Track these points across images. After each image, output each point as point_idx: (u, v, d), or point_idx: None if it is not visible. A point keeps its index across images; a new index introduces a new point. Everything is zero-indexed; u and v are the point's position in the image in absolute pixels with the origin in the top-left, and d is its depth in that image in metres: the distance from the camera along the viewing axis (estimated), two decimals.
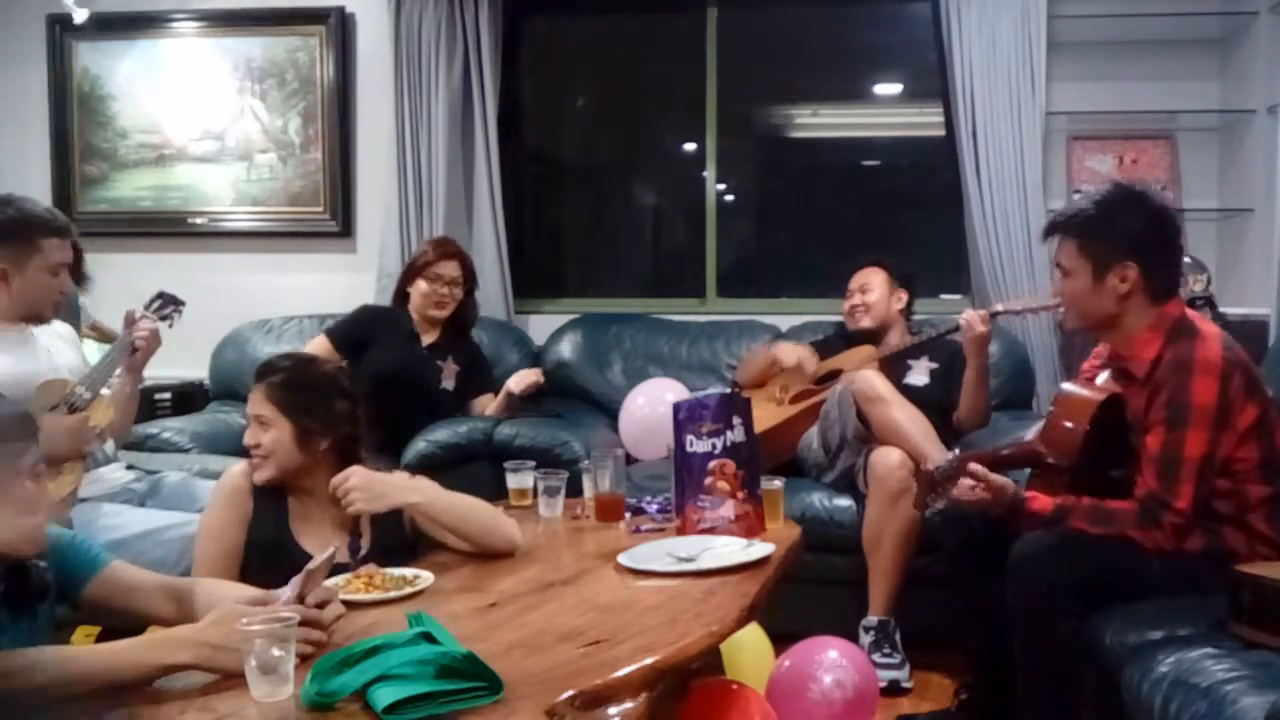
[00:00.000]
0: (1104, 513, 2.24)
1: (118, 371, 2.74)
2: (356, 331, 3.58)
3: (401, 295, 3.69)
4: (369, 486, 2.08)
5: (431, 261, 3.61)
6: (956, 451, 2.77)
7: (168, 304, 2.92)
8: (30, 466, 1.58)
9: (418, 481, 2.18)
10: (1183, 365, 2.20)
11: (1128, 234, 2.30)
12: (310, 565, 1.68)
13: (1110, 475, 2.35)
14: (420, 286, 3.60)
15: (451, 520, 2.17)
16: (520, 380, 3.62)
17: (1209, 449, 2.17)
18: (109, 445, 2.81)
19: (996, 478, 2.35)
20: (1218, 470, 2.20)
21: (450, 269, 3.62)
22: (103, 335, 3.39)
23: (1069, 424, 2.36)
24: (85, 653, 1.53)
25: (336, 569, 1.97)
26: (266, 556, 2.04)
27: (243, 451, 2.18)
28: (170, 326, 2.92)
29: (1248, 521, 2.21)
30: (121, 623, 1.76)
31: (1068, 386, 2.49)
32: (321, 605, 1.63)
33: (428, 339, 3.65)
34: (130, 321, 2.77)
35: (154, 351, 2.79)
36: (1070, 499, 2.28)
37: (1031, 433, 2.47)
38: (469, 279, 3.69)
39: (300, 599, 1.62)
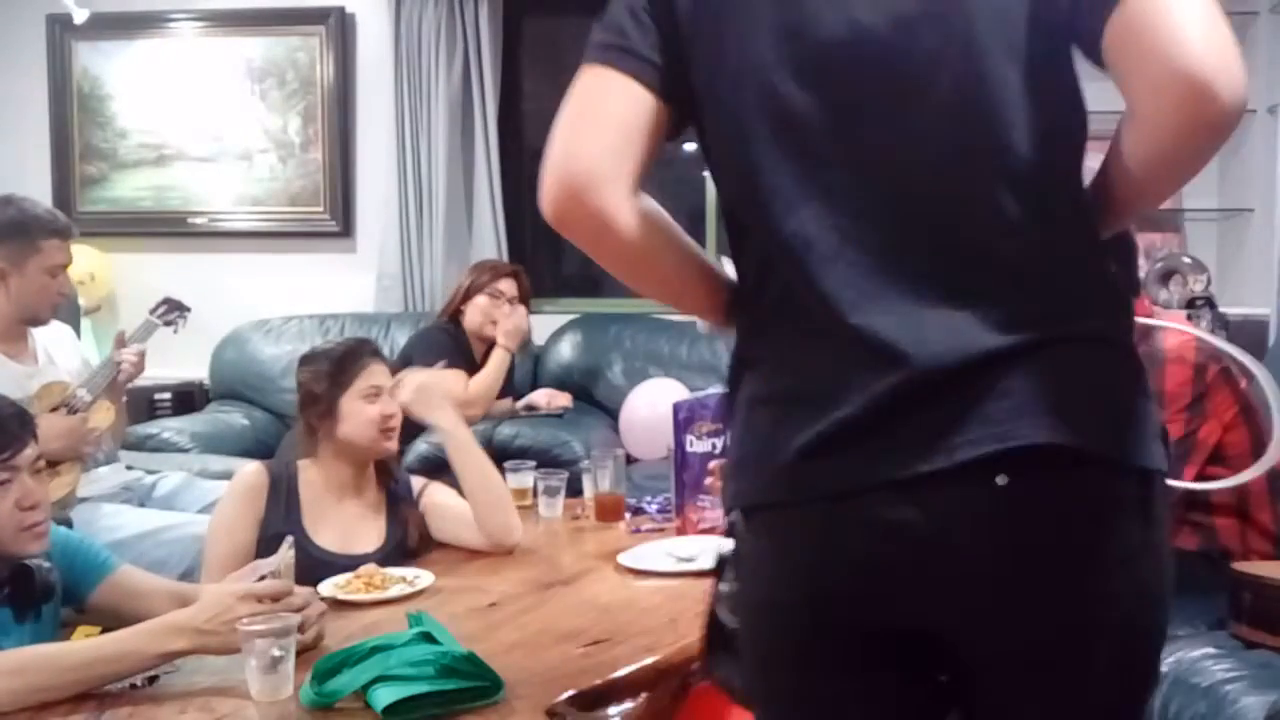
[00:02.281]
0: None
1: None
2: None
3: (454, 315, 3.66)
4: (423, 391, 2.23)
5: (490, 280, 3.61)
6: None
7: (173, 309, 2.93)
8: (30, 463, 1.59)
9: (456, 417, 2.26)
10: (1153, 357, 2.20)
11: None
12: (268, 569, 1.68)
13: None
14: (479, 303, 3.58)
15: (469, 471, 2.21)
16: (549, 399, 3.71)
17: (1183, 433, 2.17)
18: (108, 445, 2.81)
19: None
20: (1206, 457, 2.19)
21: (509, 286, 3.62)
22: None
23: None
24: (83, 647, 1.54)
25: (338, 562, 1.98)
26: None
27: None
28: (175, 332, 2.93)
29: (1248, 510, 2.21)
30: (125, 626, 1.75)
31: None
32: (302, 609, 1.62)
33: (480, 355, 3.64)
34: (119, 343, 2.76)
35: (135, 377, 2.78)
36: None
37: None
38: (524, 297, 3.69)
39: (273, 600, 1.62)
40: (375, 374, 2.19)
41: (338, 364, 2.19)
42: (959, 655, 0.96)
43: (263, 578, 1.64)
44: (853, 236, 0.91)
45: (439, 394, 2.27)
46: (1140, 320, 1.64)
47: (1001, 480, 0.88)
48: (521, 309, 3.57)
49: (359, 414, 2.15)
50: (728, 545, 1.08)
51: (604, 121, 0.99)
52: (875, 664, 0.98)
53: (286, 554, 1.71)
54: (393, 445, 2.22)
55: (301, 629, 1.58)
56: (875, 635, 0.97)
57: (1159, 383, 2.18)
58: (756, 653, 1.05)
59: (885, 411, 0.89)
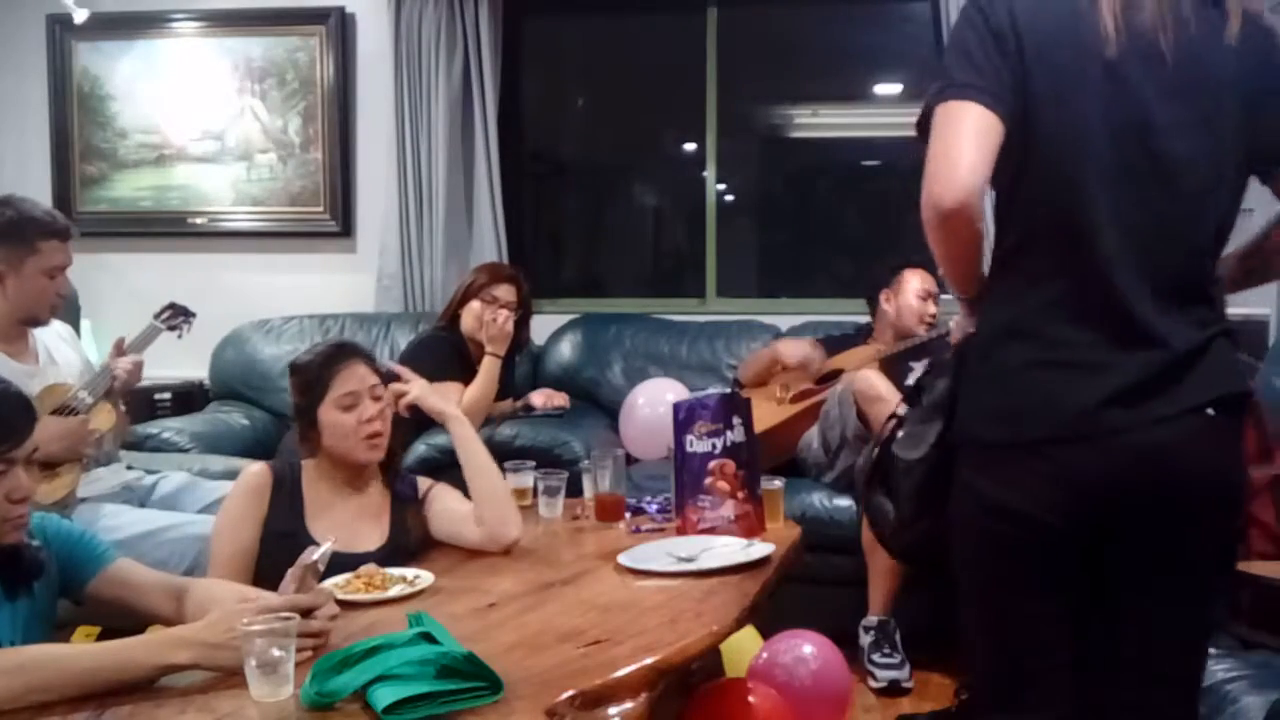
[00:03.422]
0: None
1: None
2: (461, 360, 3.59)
3: (451, 317, 3.66)
4: (425, 385, 2.33)
5: (486, 284, 3.59)
6: None
7: (178, 314, 2.93)
8: (26, 456, 1.59)
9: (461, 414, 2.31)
10: None
11: None
12: (305, 559, 1.68)
13: None
14: (474, 308, 3.57)
15: (471, 461, 2.23)
16: (546, 399, 3.70)
17: None
18: (109, 446, 2.81)
19: None
20: None
21: (506, 292, 3.60)
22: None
23: None
24: (87, 652, 1.54)
25: (339, 561, 1.97)
26: (282, 551, 2.04)
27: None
28: (180, 337, 2.94)
29: (1251, 510, 2.21)
30: (122, 620, 1.76)
31: None
32: (312, 610, 1.62)
33: (477, 359, 3.63)
34: (118, 350, 2.75)
35: (133, 385, 2.78)
36: None
37: None
38: (524, 304, 3.67)
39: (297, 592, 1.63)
40: (349, 380, 2.14)
41: (314, 374, 2.16)
42: (1137, 557, 1.46)
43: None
44: (1137, 263, 1.41)
45: (437, 391, 2.32)
46: None
47: (1210, 412, 1.42)
48: (504, 313, 3.53)
49: (337, 424, 2.13)
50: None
51: (974, 146, 1.38)
52: (1076, 570, 1.47)
53: (324, 553, 1.71)
54: (375, 455, 2.17)
55: (317, 634, 1.59)
56: (1093, 541, 1.45)
57: None
58: (1000, 554, 1.48)
59: (1153, 377, 1.40)
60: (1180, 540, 1.46)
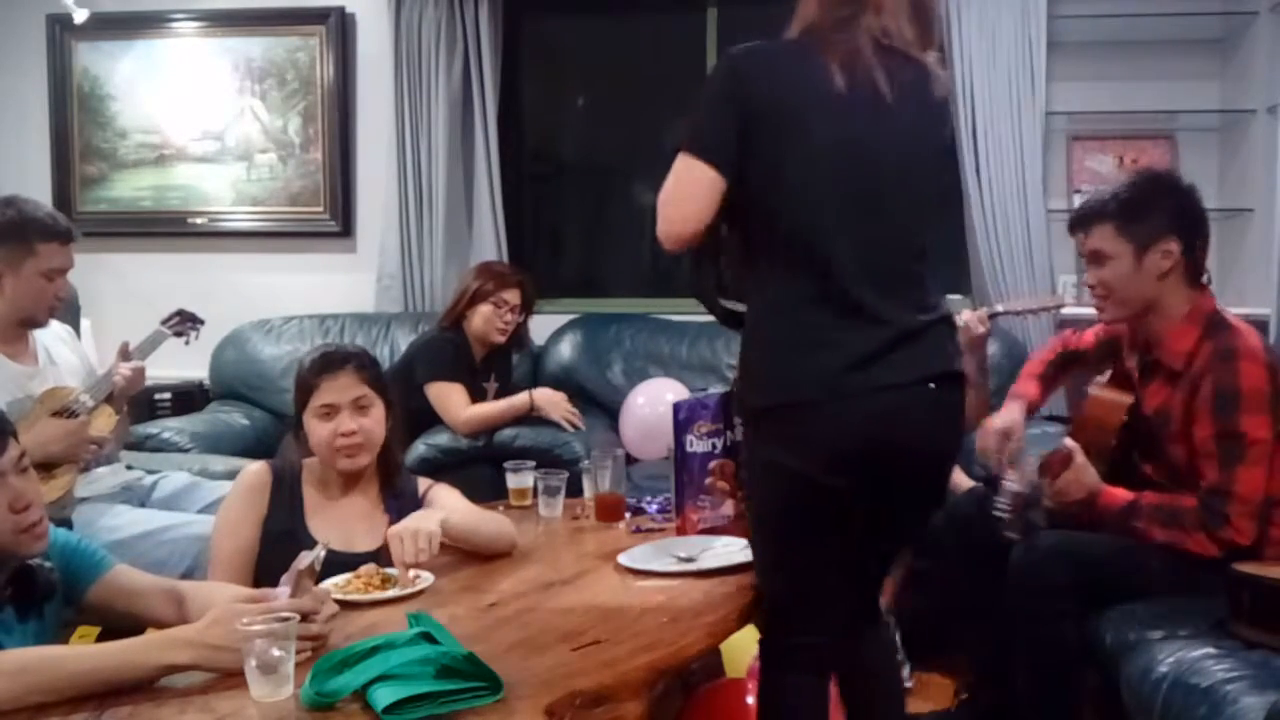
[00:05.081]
0: (1170, 512, 2.20)
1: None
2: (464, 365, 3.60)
3: (455, 319, 3.66)
4: (403, 535, 1.97)
5: (495, 289, 3.61)
6: (1033, 459, 2.44)
7: (185, 320, 2.94)
8: (15, 464, 1.58)
9: (429, 510, 2.12)
10: (1228, 353, 2.17)
11: (1166, 210, 2.28)
12: (298, 564, 1.68)
13: (1138, 478, 2.34)
14: (484, 311, 3.59)
15: (473, 535, 2.16)
16: (554, 408, 3.58)
17: (1273, 432, 2.14)
18: (110, 449, 2.80)
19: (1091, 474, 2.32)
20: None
21: (514, 296, 3.64)
22: None
23: (1101, 427, 2.36)
24: (86, 653, 1.53)
25: (338, 560, 1.97)
26: (281, 550, 2.03)
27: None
28: (187, 344, 2.95)
29: (1273, 517, 2.19)
30: (122, 624, 1.76)
31: (1095, 389, 2.48)
32: (311, 615, 1.62)
33: (479, 358, 3.66)
34: (123, 354, 2.76)
35: (134, 391, 2.78)
36: (1148, 495, 2.26)
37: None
38: (527, 305, 3.71)
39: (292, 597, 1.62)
40: (329, 391, 2.11)
41: (303, 380, 2.16)
42: (886, 493, 1.79)
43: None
44: (861, 263, 1.74)
45: (419, 528, 1.99)
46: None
47: (931, 386, 1.76)
48: (564, 406, 3.56)
49: (314, 433, 2.13)
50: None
51: (705, 201, 1.75)
52: (846, 511, 1.78)
53: (317, 557, 1.71)
54: (350, 464, 2.13)
55: (315, 637, 1.59)
56: (852, 487, 1.75)
57: (1233, 379, 2.15)
58: (785, 504, 1.79)
59: (880, 348, 1.72)
60: (904, 489, 1.81)
